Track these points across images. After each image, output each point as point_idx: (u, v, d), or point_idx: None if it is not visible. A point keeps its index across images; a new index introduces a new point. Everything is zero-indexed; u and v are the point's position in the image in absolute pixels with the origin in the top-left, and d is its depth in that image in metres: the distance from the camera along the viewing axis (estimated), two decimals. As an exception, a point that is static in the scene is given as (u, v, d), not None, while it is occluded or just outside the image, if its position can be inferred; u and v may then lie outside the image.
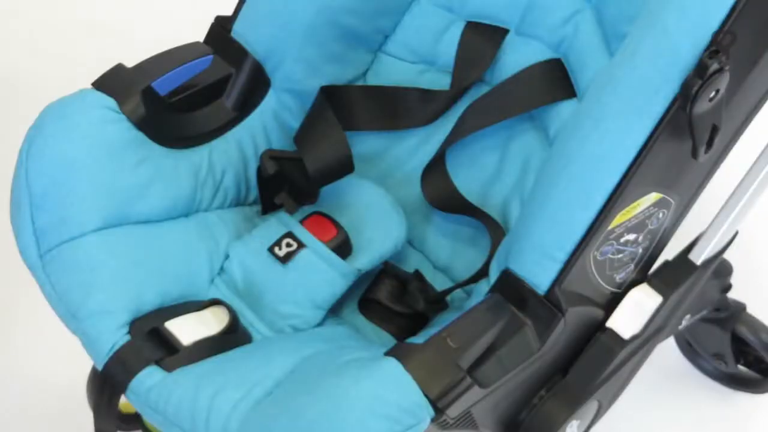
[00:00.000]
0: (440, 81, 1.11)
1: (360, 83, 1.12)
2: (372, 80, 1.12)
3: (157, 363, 0.86)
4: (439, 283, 1.05)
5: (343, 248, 0.98)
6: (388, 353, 0.82)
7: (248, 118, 1.05)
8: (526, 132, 1.04)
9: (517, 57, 1.06)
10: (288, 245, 0.97)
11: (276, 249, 0.97)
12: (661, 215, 0.89)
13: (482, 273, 0.97)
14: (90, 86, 0.98)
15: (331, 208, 1.03)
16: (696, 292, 1.04)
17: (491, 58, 1.05)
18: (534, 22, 1.04)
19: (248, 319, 0.95)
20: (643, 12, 0.81)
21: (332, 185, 1.05)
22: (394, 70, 1.12)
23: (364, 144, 1.11)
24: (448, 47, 1.10)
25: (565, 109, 0.99)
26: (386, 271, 1.02)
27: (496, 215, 1.04)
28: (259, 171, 1.05)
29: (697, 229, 1.02)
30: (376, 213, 1.03)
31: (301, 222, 1.01)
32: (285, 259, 0.96)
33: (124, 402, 0.88)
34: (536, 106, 1.01)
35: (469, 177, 1.07)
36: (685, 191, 0.89)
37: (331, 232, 0.98)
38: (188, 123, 1.01)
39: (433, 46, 1.11)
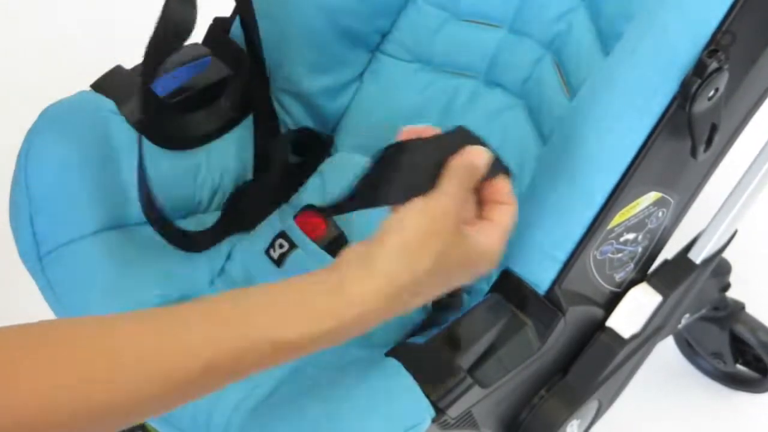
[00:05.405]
0: (435, 80, 1.11)
1: (357, 83, 1.12)
2: (369, 80, 1.13)
3: (158, 364, 0.86)
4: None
5: (337, 245, 0.97)
6: (388, 354, 0.82)
7: (247, 119, 1.05)
8: (520, 131, 1.04)
9: (509, 55, 1.06)
10: (281, 246, 0.96)
11: (271, 251, 0.96)
12: (660, 214, 0.89)
13: None
14: (88, 88, 0.98)
15: (331, 195, 1.02)
16: (695, 291, 1.04)
17: None
18: (527, 19, 1.04)
19: (248, 320, 0.95)
20: (641, 11, 0.81)
21: (334, 179, 1.04)
22: (390, 70, 1.12)
23: (354, 142, 1.11)
24: (443, 46, 1.10)
25: (557, 107, 0.99)
26: None
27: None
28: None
29: (696, 227, 1.02)
30: (378, 210, 1.02)
31: (295, 218, 1.00)
32: (279, 262, 0.96)
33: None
34: None
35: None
36: (684, 190, 0.89)
37: (320, 227, 0.97)
38: (187, 124, 1.01)
39: (428, 45, 1.11)
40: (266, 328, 0.62)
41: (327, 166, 1.06)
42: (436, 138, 0.72)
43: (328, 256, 0.96)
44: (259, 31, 1.01)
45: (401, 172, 0.70)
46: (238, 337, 0.61)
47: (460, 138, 0.71)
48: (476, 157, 0.71)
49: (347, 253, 0.69)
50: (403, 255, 0.66)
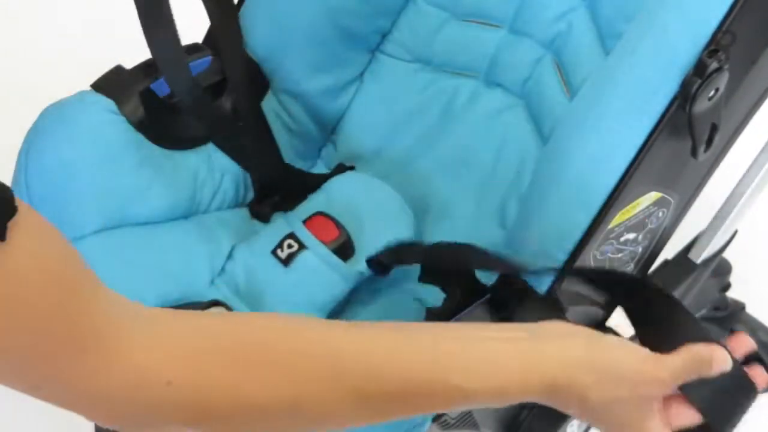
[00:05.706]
0: (435, 80, 1.11)
1: (357, 83, 1.12)
2: (369, 80, 1.13)
3: (157, 365, 0.86)
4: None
5: (344, 250, 0.98)
6: (389, 354, 0.81)
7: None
8: (521, 130, 1.04)
9: (509, 55, 1.07)
10: (289, 246, 0.96)
11: (279, 251, 0.97)
12: (660, 214, 0.89)
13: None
14: (88, 88, 0.98)
15: (338, 205, 1.03)
16: (695, 291, 1.04)
17: None
18: (527, 19, 1.04)
19: (248, 320, 0.95)
20: (641, 11, 0.81)
21: (342, 182, 1.04)
22: (391, 70, 1.12)
23: (354, 142, 1.11)
24: (443, 46, 1.10)
25: (557, 107, 0.99)
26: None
27: (493, 215, 1.04)
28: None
29: (696, 227, 1.02)
30: (383, 213, 1.02)
31: (305, 222, 1.00)
32: (287, 262, 0.96)
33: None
34: None
35: (464, 177, 1.07)
36: (684, 190, 0.89)
37: (332, 233, 0.98)
38: (187, 125, 1.01)
39: (428, 45, 1.11)
40: (455, 376, 0.62)
41: (332, 184, 1.06)
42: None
43: (338, 260, 0.96)
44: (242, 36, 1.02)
45: (669, 326, 0.75)
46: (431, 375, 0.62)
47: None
48: (719, 357, 0.68)
49: (555, 328, 0.68)
50: (594, 375, 0.66)
